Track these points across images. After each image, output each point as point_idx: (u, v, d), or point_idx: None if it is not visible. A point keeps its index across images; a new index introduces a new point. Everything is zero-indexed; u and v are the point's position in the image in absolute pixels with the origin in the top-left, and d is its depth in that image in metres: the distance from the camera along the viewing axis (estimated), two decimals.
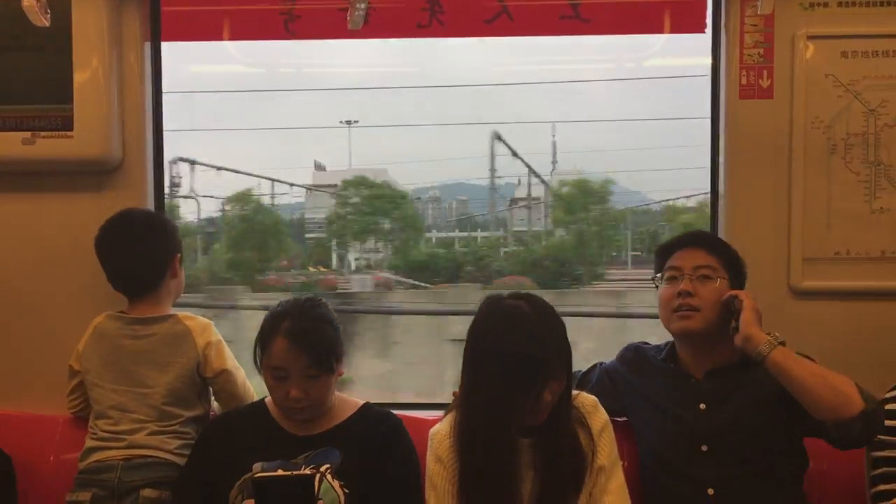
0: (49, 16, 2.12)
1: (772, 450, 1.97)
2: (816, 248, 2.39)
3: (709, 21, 2.46)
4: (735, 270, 2.08)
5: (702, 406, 2.02)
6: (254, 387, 2.31)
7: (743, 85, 2.40)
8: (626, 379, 2.15)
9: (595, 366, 2.25)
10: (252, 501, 1.69)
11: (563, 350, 1.81)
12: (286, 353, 1.92)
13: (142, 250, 2.23)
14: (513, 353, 1.74)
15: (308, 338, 1.92)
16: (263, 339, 1.96)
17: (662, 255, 2.13)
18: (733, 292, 2.00)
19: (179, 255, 2.32)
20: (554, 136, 14.52)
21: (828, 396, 1.83)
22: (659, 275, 2.11)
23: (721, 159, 2.45)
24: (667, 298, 2.05)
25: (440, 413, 2.03)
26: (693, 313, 2.00)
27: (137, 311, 2.24)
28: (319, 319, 1.98)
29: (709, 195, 2.53)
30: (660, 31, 2.51)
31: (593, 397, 1.92)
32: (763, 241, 2.40)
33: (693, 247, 2.08)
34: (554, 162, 14.74)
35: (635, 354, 2.19)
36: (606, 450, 1.86)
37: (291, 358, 1.92)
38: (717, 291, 2.01)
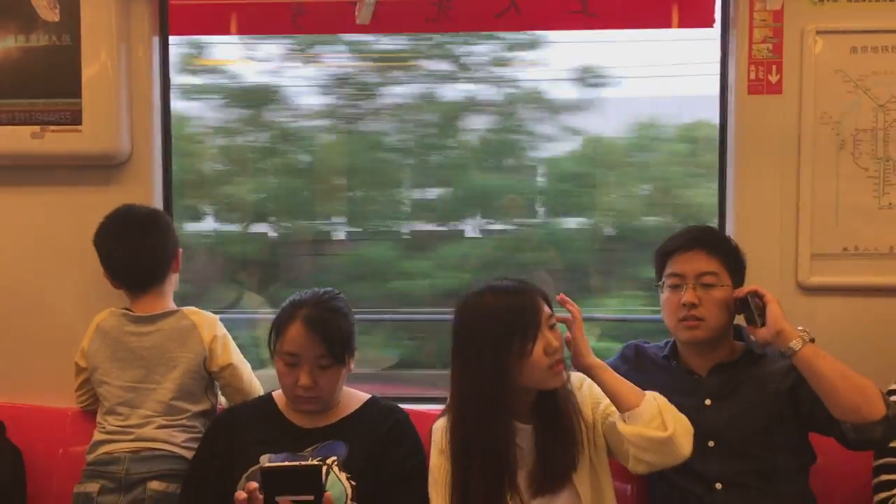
0: (58, 10, 2.13)
1: (778, 445, 1.97)
2: (824, 244, 2.38)
3: (717, 16, 2.46)
4: (737, 266, 2.07)
5: (707, 402, 2.02)
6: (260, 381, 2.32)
7: (752, 80, 2.39)
8: (628, 376, 2.11)
9: None
10: (254, 484, 1.70)
11: (549, 302, 1.83)
12: (301, 339, 1.93)
13: (150, 244, 2.24)
14: (498, 300, 1.79)
15: (324, 326, 1.94)
16: (279, 324, 1.98)
17: (662, 258, 2.10)
18: (751, 288, 1.97)
19: (180, 249, 2.34)
20: None
21: (854, 398, 1.83)
22: (661, 281, 2.09)
23: (729, 154, 2.45)
24: (672, 308, 2.04)
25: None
26: (699, 323, 1.99)
27: (141, 307, 2.24)
28: (337, 311, 1.99)
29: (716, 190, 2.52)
30: (668, 25, 2.50)
31: (578, 374, 1.93)
32: (771, 237, 2.39)
33: (694, 250, 2.04)
34: None
35: (636, 353, 2.18)
36: (594, 402, 1.90)
37: (306, 344, 1.93)
38: (720, 298, 2.00)
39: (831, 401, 1.85)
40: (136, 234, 2.24)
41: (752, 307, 1.95)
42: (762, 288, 1.97)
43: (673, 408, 1.80)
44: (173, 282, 2.32)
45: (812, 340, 1.88)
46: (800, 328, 1.90)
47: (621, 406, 1.80)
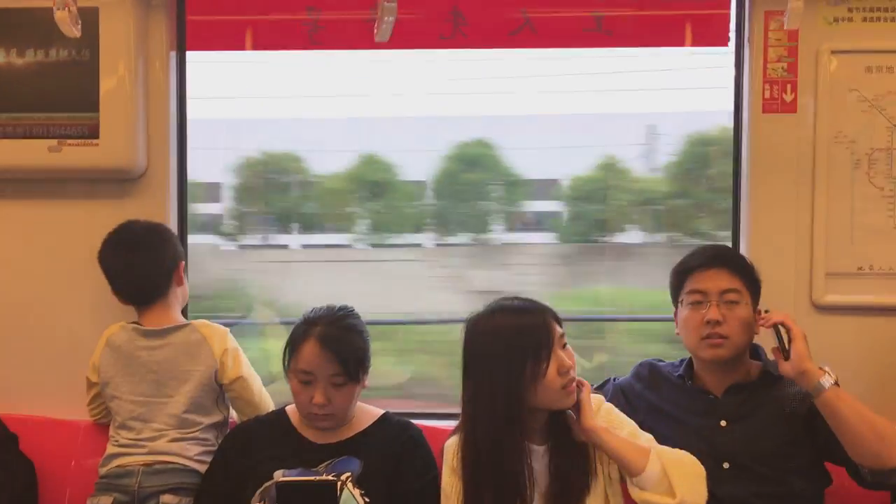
0: (80, 26, 2.14)
1: (793, 468, 1.95)
2: (839, 263, 2.38)
3: (732, 35, 2.46)
4: (755, 286, 2.05)
5: (723, 423, 2.00)
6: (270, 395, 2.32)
7: (766, 99, 2.40)
8: (642, 395, 2.12)
9: (607, 381, 2.23)
10: None
11: (559, 321, 1.81)
12: (315, 358, 1.93)
13: (147, 258, 2.24)
14: (510, 321, 1.77)
15: (338, 344, 1.94)
16: (293, 343, 1.98)
17: (680, 276, 2.08)
18: (777, 319, 1.93)
19: (183, 262, 2.34)
20: None
21: (872, 444, 1.81)
22: (680, 300, 2.07)
23: (743, 173, 2.45)
24: (694, 325, 2.01)
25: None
26: (723, 341, 1.97)
27: (149, 321, 2.25)
28: (351, 329, 1.99)
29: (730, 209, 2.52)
30: (682, 44, 2.50)
31: (597, 396, 1.90)
32: (785, 256, 2.39)
33: (716, 267, 2.02)
34: None
35: (650, 371, 2.16)
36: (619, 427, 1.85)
37: (320, 363, 1.93)
38: (744, 317, 1.98)
39: (850, 445, 1.83)
40: (132, 249, 2.24)
41: (779, 337, 1.92)
42: (790, 320, 1.93)
43: (678, 460, 1.76)
44: (179, 295, 2.32)
45: (836, 383, 1.84)
46: (824, 367, 1.86)
47: (628, 471, 1.75)
